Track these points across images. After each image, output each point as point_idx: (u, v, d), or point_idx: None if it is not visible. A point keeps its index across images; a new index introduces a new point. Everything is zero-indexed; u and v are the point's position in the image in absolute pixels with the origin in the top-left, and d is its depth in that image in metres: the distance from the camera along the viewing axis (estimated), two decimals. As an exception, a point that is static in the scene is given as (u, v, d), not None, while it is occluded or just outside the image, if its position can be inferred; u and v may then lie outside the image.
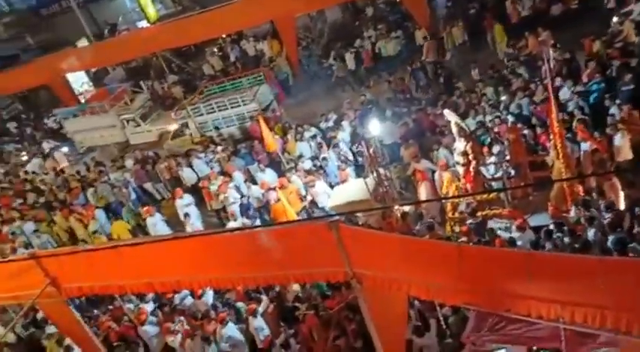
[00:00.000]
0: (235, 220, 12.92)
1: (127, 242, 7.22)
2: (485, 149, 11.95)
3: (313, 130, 16.11)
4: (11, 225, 16.03)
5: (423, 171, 12.23)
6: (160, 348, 10.16)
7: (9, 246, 14.82)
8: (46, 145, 23.56)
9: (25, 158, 22.25)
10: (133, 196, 16.47)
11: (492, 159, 11.70)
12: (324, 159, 14.21)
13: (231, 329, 9.45)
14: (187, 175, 15.90)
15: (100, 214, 15.42)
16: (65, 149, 22.20)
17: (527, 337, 5.88)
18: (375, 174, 11.88)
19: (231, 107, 18.50)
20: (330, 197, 12.96)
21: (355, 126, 15.28)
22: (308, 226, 5.76)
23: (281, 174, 14.20)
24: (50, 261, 7.23)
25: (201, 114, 18.90)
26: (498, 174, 11.46)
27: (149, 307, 10.91)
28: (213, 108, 18.77)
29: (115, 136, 20.93)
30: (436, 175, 11.91)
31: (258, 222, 13.15)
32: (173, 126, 19.45)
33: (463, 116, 13.20)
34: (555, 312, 4.62)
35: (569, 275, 4.57)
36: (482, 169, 11.30)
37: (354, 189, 12.56)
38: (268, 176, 14.36)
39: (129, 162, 18.09)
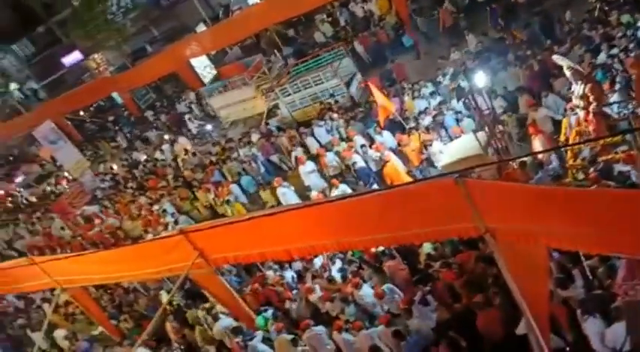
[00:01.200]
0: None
1: (263, 213, 7.59)
2: (607, 87, 10.91)
3: (430, 86, 15.71)
4: (160, 204, 17.51)
5: (536, 125, 11.48)
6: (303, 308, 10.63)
7: (161, 223, 16.22)
8: (178, 131, 25.24)
9: (165, 144, 23.86)
10: (262, 169, 17.23)
11: (615, 97, 10.63)
12: (441, 113, 13.85)
13: (366, 291, 9.65)
14: (310, 143, 16.33)
15: (235, 189, 16.31)
16: (183, 139, 23.34)
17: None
18: (487, 128, 11.35)
19: (315, 85, 19.14)
20: (443, 155, 12.64)
21: (470, 77, 14.65)
22: (434, 183, 5.66)
23: (400, 133, 14.10)
24: (197, 235, 7.84)
25: (289, 94, 19.66)
26: (624, 113, 10.38)
27: (289, 274, 11.50)
28: (298, 87, 19.46)
29: (257, 107, 21.09)
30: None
31: (375, 186, 13.20)
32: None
33: (595, 50, 12.15)
34: None
35: None
36: (606, 109, 10.31)
37: (465, 145, 12.06)
38: (386, 138, 14.28)
39: (255, 137, 18.88)
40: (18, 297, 17.18)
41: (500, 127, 11.95)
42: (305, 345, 9.17)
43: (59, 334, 13.49)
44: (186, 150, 21.59)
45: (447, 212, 5.52)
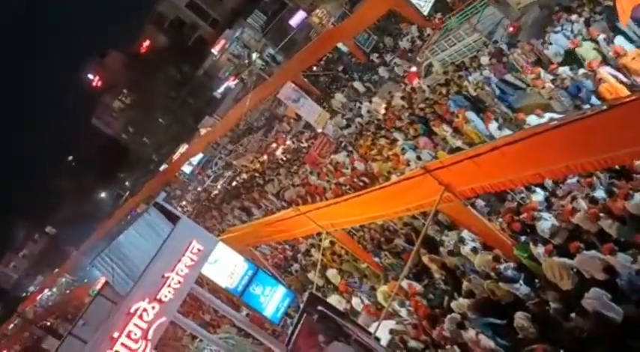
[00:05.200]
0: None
1: (504, 141, 7.23)
2: None
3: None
4: (397, 144, 17.86)
5: None
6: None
7: (402, 162, 16.58)
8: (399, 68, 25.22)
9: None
10: (497, 92, 16.22)
11: None
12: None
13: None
14: (552, 52, 14.70)
15: (472, 115, 15.66)
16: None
17: None
18: None
19: (459, 41, 19.68)
20: None
21: None
22: None
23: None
24: (440, 170, 7.87)
25: (438, 53, 20.60)
26: None
27: (539, 197, 10.82)
28: (444, 46, 20.27)
29: None
30: None
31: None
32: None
33: None
34: None
35: None
36: None
37: None
38: (619, 44, 12.04)
39: (484, 60, 17.84)
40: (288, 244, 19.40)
41: None
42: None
43: (331, 272, 15.00)
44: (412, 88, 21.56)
45: None
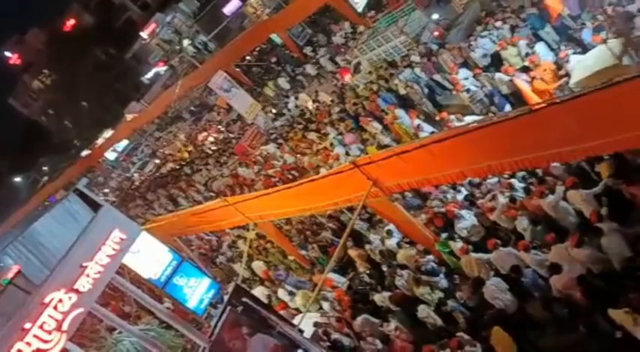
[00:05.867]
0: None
1: (432, 139, 7.46)
2: None
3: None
4: (327, 139, 18.03)
5: None
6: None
7: (332, 156, 16.74)
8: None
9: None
10: (426, 91, 16.63)
11: None
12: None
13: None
14: (478, 55, 15.26)
15: (401, 113, 15.97)
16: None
17: None
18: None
19: (387, 42, 20.26)
20: (572, 72, 11.10)
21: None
22: (630, 85, 5.01)
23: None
24: (369, 166, 8.01)
25: (366, 53, 21.23)
26: None
27: (461, 196, 11.25)
28: (372, 46, 20.82)
29: None
30: None
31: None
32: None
33: None
34: None
35: None
36: None
37: (595, 57, 10.61)
38: (539, 51, 12.71)
39: (415, 58, 18.25)
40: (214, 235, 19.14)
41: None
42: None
43: (257, 264, 14.93)
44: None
45: None
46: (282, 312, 10.62)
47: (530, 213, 9.23)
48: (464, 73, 14.29)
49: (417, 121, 14.40)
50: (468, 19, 18.47)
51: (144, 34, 52.86)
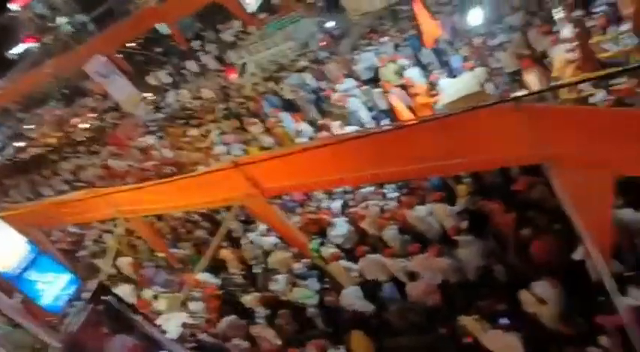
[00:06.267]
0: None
1: (316, 144, 7.59)
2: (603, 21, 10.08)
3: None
4: (209, 136, 17.69)
5: (527, 59, 10.89)
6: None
7: (212, 155, 16.45)
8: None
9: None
10: (313, 97, 16.85)
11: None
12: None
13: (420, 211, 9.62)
14: (360, 68, 15.76)
15: (284, 116, 16.09)
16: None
17: None
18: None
19: (275, 46, 21.09)
20: (441, 94, 12.10)
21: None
22: (488, 111, 5.45)
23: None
24: (249, 166, 7.96)
25: (254, 55, 21.70)
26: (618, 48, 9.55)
27: (336, 205, 11.53)
28: (259, 49, 21.65)
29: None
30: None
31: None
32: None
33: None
34: None
35: None
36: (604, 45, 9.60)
37: (463, 82, 11.65)
38: (412, 73, 13.53)
39: (304, 63, 18.44)
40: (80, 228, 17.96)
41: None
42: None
43: (123, 261, 14.18)
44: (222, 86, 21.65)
45: (505, 138, 5.36)
46: (147, 312, 10.21)
47: (399, 223, 9.72)
48: (348, 83, 14.71)
49: (300, 126, 14.58)
50: (357, 31, 19.06)
51: (14, 6, 48.34)
